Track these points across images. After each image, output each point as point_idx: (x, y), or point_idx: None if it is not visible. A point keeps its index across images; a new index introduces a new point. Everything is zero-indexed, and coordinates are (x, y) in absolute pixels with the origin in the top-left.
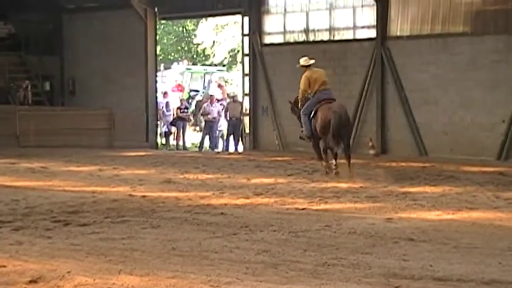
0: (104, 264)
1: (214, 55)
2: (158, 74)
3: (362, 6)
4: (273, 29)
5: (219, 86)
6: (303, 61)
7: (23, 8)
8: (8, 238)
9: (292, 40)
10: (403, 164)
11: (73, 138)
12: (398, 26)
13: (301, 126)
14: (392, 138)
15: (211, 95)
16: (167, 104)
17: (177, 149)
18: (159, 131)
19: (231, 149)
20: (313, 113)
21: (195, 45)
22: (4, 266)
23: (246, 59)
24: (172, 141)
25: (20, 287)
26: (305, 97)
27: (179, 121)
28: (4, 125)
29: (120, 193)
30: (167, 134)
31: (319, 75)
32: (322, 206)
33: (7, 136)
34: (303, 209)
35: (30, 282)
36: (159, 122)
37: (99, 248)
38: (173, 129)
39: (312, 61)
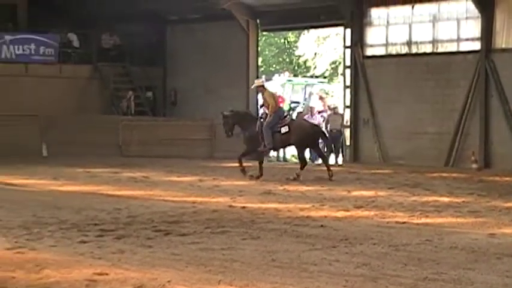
0: (203, 274)
1: (315, 67)
2: None
3: (466, 18)
4: (375, 41)
5: (320, 98)
6: (259, 82)
7: (128, 20)
8: (110, 246)
9: (394, 52)
10: (507, 178)
11: (174, 148)
12: (503, 39)
13: (228, 134)
14: (496, 151)
15: (311, 107)
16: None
17: (277, 160)
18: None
19: (331, 161)
20: (285, 128)
21: (297, 57)
22: (107, 274)
23: (348, 71)
24: (272, 153)
25: None
26: (265, 113)
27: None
28: (107, 135)
29: (220, 204)
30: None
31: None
32: (423, 220)
33: (110, 146)
34: (403, 222)
35: None
36: None
37: (199, 258)
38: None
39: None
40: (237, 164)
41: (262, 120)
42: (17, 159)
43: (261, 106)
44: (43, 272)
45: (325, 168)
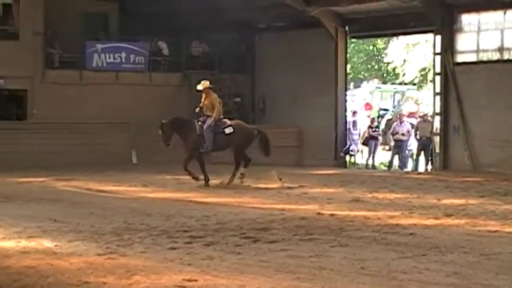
0: (292, 281)
1: (404, 74)
2: (348, 92)
3: None
4: (466, 47)
5: (415, 102)
6: (207, 84)
7: (217, 28)
8: (199, 253)
9: (485, 59)
10: None
11: (263, 155)
12: None
13: (166, 143)
14: None
15: (400, 114)
16: (354, 122)
17: (366, 168)
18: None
19: (421, 168)
20: (230, 129)
21: (385, 64)
22: (196, 280)
23: (438, 77)
24: (361, 160)
25: None
26: (205, 116)
27: (371, 140)
28: None
29: (308, 211)
30: (352, 152)
31: None
32: None
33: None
34: (495, 231)
35: None
36: (347, 141)
37: (287, 265)
38: (359, 147)
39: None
40: (321, 172)
41: (200, 123)
42: (108, 166)
43: (200, 108)
44: (133, 278)
45: (413, 176)
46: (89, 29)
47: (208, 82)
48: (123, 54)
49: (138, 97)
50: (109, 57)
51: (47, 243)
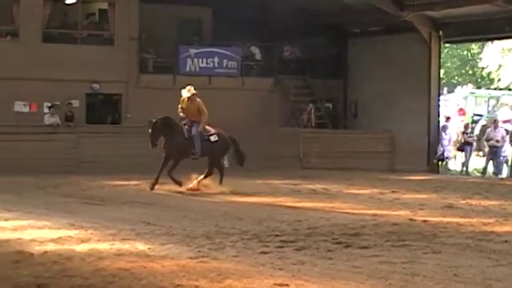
0: (384, 287)
1: (499, 79)
2: (441, 98)
3: None
4: None
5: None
6: (193, 90)
7: (309, 33)
8: (290, 257)
9: None
10: None
11: (354, 160)
12: None
13: (154, 144)
14: None
15: (495, 120)
16: (444, 127)
17: (460, 174)
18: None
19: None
20: (215, 137)
21: (480, 69)
22: (287, 285)
23: None
24: (454, 166)
25: None
26: (191, 121)
27: (466, 146)
28: (288, 147)
29: (400, 217)
30: (444, 159)
31: None
32: None
33: (291, 158)
34: None
35: None
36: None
37: (379, 271)
38: (452, 153)
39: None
40: (413, 177)
41: (187, 127)
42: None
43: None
44: (225, 282)
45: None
46: (182, 34)
47: (193, 88)
48: (216, 59)
49: (230, 102)
50: (202, 62)
51: (140, 246)
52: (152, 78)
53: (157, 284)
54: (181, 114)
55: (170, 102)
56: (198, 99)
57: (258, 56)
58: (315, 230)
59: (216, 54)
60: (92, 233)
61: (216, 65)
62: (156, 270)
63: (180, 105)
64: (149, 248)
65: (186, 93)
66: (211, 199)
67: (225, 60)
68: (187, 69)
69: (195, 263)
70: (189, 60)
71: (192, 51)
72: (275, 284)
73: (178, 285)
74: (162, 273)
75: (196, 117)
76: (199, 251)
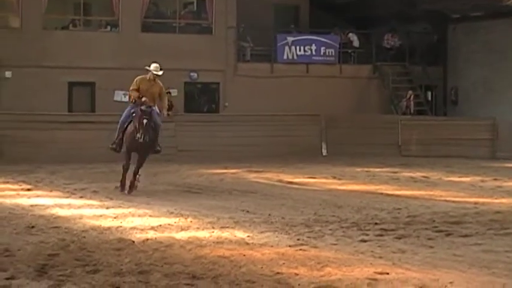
0: (486, 276)
1: None
2: None
3: None
4: None
5: None
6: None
7: (408, 19)
8: (390, 246)
9: None
10: None
11: (454, 148)
12: None
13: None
14: None
15: None
16: None
17: None
18: None
19: None
20: None
21: None
22: (387, 273)
23: None
24: None
25: None
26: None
27: None
28: (386, 135)
29: (503, 205)
30: None
31: None
32: None
33: (389, 145)
34: None
35: None
36: None
37: (481, 260)
38: None
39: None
40: None
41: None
42: (298, 158)
43: (139, 96)
44: (325, 270)
45: None
46: (279, 21)
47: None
48: (314, 47)
49: (328, 89)
50: (299, 50)
51: (239, 234)
52: (250, 67)
53: (257, 272)
54: (135, 96)
55: (268, 90)
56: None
57: (356, 43)
58: (415, 218)
59: (314, 42)
60: (191, 221)
61: (314, 52)
62: (255, 258)
63: (135, 86)
64: (248, 236)
65: (155, 71)
66: (310, 187)
67: (322, 48)
68: (285, 57)
69: (294, 251)
70: (286, 48)
71: (290, 39)
72: (375, 273)
73: (278, 273)
74: (262, 261)
75: (153, 102)
76: (298, 239)
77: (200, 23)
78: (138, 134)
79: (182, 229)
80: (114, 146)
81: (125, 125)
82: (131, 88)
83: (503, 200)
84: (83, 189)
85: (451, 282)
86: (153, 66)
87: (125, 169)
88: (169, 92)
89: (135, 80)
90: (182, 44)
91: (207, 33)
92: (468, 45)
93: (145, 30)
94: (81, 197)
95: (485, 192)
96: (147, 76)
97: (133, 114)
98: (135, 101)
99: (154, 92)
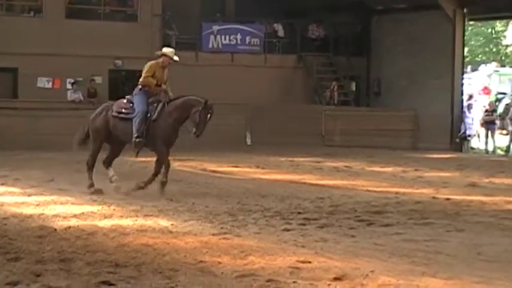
0: (407, 265)
1: None
2: (465, 76)
3: None
4: None
5: None
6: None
7: (333, 10)
8: (313, 235)
9: None
10: None
11: (377, 138)
12: None
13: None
14: None
15: None
16: (469, 106)
17: (487, 152)
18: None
19: None
20: None
21: (504, 47)
22: (310, 262)
23: None
24: (477, 144)
25: (325, 284)
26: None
27: (488, 124)
28: (310, 125)
29: (423, 195)
30: (467, 137)
31: None
32: None
33: (313, 135)
34: None
35: (335, 279)
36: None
37: (402, 249)
38: (474, 132)
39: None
40: (436, 156)
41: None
42: (223, 147)
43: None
44: (248, 258)
45: None
46: (206, 10)
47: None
48: (239, 36)
49: (253, 78)
50: (225, 39)
51: (163, 222)
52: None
53: (180, 260)
54: (152, 83)
55: (192, 79)
56: None
57: (281, 33)
58: (337, 208)
59: (239, 31)
60: (114, 209)
61: (239, 41)
62: (179, 246)
63: (150, 73)
64: (172, 225)
65: (171, 55)
66: (234, 176)
67: (248, 37)
68: (210, 46)
69: (217, 240)
70: (211, 37)
71: (215, 27)
72: (298, 261)
73: (201, 261)
74: (185, 250)
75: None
76: (222, 228)
77: (125, 10)
78: (196, 130)
79: (105, 217)
80: (141, 139)
81: (148, 115)
82: (146, 74)
83: (424, 190)
84: (5, 176)
85: (372, 271)
86: (169, 50)
87: (168, 166)
88: (93, 79)
89: (149, 65)
90: (107, 31)
91: (133, 21)
92: (391, 37)
93: (69, 17)
94: (2, 184)
95: (406, 182)
96: (160, 61)
97: (158, 105)
98: (145, 87)
99: (164, 80)
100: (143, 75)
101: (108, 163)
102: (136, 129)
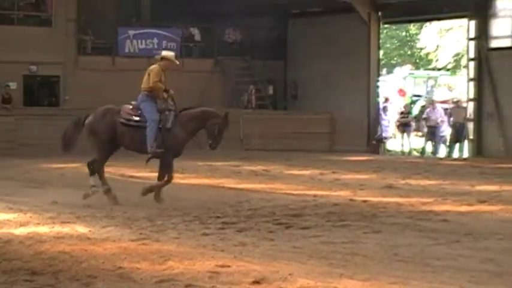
0: (325, 267)
1: (437, 59)
2: (380, 78)
3: None
4: (500, 32)
5: (449, 88)
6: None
7: (249, 14)
8: (232, 239)
9: None
10: None
11: (295, 142)
12: None
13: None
14: None
15: (433, 100)
16: (385, 108)
17: (403, 154)
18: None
19: (455, 155)
20: None
21: (418, 50)
22: (229, 266)
23: (472, 63)
24: (393, 146)
25: (244, 287)
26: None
27: (403, 126)
28: (228, 129)
29: (341, 197)
30: (383, 139)
31: None
32: None
33: (231, 139)
34: None
35: (254, 282)
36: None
37: (320, 252)
38: (391, 134)
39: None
40: (353, 158)
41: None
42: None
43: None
44: (167, 264)
45: (446, 162)
46: (121, 15)
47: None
48: (155, 40)
49: (170, 82)
50: (141, 43)
51: (80, 229)
52: (91, 60)
53: (99, 267)
54: (161, 90)
55: (109, 84)
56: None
57: (198, 37)
58: (256, 211)
59: (155, 36)
60: (31, 216)
61: (156, 46)
62: (97, 253)
63: (157, 78)
64: (90, 231)
65: (172, 59)
66: (152, 181)
67: (164, 42)
68: (127, 50)
69: (136, 245)
70: (128, 42)
71: (131, 32)
72: (217, 266)
73: (120, 267)
74: (104, 256)
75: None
76: (140, 233)
77: (40, 15)
78: (212, 142)
79: (21, 225)
80: (162, 149)
81: (159, 126)
82: (155, 79)
83: (341, 193)
84: None
85: (290, 274)
86: (170, 54)
87: (170, 181)
88: (8, 85)
89: (154, 70)
90: (21, 36)
91: (47, 26)
92: (308, 40)
93: None
94: None
95: (324, 185)
96: (162, 65)
97: (170, 113)
98: (153, 92)
99: (165, 85)
100: (152, 80)
101: (93, 169)
102: (152, 139)
